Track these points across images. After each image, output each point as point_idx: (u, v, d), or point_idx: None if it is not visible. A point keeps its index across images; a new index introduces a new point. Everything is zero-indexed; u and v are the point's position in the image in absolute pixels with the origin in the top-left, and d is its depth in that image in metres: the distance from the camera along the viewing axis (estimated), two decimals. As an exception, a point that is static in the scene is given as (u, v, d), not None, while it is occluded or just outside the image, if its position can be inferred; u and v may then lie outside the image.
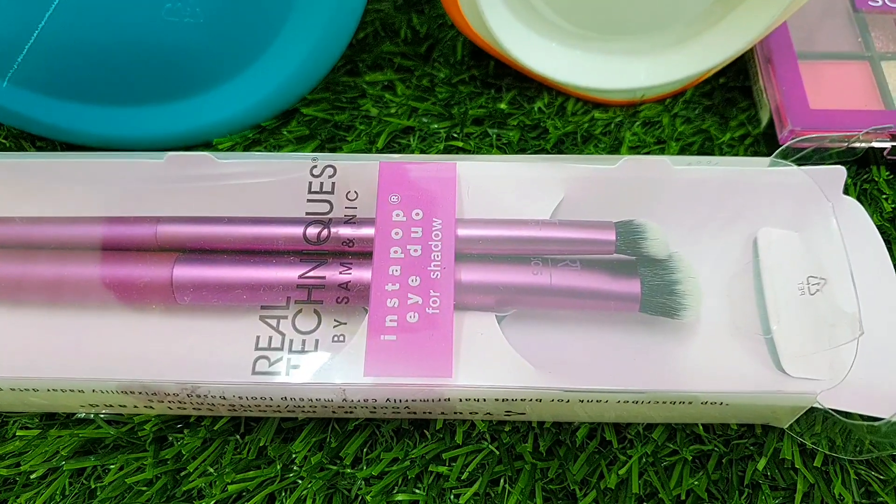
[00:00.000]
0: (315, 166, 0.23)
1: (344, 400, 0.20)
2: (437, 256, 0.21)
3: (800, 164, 0.24)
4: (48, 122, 0.25)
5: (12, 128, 0.27)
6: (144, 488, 0.21)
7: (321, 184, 0.22)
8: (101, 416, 0.22)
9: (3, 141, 0.27)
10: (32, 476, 0.21)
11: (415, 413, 0.21)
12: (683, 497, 0.21)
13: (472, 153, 0.27)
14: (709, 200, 0.22)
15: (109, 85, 0.25)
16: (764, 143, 0.27)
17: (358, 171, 0.23)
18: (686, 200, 0.22)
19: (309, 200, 0.22)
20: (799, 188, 0.22)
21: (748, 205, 0.22)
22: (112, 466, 0.21)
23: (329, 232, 0.22)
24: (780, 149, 0.23)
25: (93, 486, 0.21)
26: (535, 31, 0.26)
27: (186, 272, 0.21)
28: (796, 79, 0.26)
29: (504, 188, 0.23)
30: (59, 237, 0.22)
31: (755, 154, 0.27)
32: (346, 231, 0.22)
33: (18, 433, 0.22)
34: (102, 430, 0.21)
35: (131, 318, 0.21)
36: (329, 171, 0.23)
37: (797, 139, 0.23)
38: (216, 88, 0.26)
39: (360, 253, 0.21)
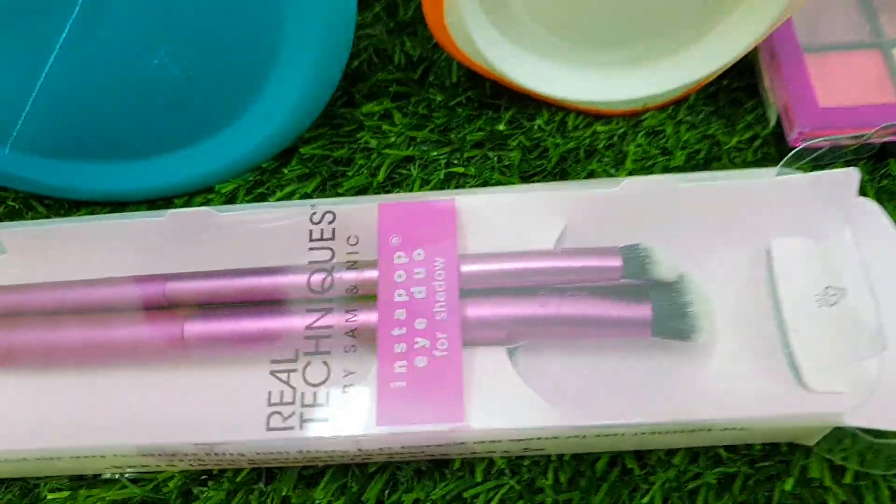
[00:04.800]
0: (314, 213, 0.23)
1: (359, 449, 0.20)
2: (442, 297, 0.21)
3: (813, 165, 0.23)
4: (52, 183, 0.26)
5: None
6: (173, 545, 0.21)
7: (321, 231, 0.22)
8: (126, 475, 0.22)
9: (12, 203, 0.28)
10: (65, 540, 0.21)
11: (433, 455, 0.21)
12: (710, 523, 0.20)
13: (474, 177, 0.26)
14: (716, 215, 0.22)
15: (108, 141, 0.25)
16: (773, 143, 0.26)
17: (357, 214, 0.22)
18: (693, 217, 0.22)
19: (311, 248, 0.22)
20: (809, 196, 0.22)
21: (757, 217, 0.22)
22: (140, 525, 0.21)
23: (332, 279, 0.21)
24: (788, 156, 0.22)
25: (123, 546, 0.21)
26: (527, 49, 0.26)
27: (196, 328, 0.21)
28: (803, 75, 0.25)
29: (505, 219, 0.22)
30: (73, 302, 0.22)
31: (765, 156, 0.26)
32: (349, 276, 0.22)
33: (49, 496, 0.22)
34: (128, 489, 0.22)
35: (146, 378, 0.21)
36: (329, 217, 0.22)
37: (807, 142, 0.23)
38: (213, 136, 0.26)
39: (364, 297, 0.21)
